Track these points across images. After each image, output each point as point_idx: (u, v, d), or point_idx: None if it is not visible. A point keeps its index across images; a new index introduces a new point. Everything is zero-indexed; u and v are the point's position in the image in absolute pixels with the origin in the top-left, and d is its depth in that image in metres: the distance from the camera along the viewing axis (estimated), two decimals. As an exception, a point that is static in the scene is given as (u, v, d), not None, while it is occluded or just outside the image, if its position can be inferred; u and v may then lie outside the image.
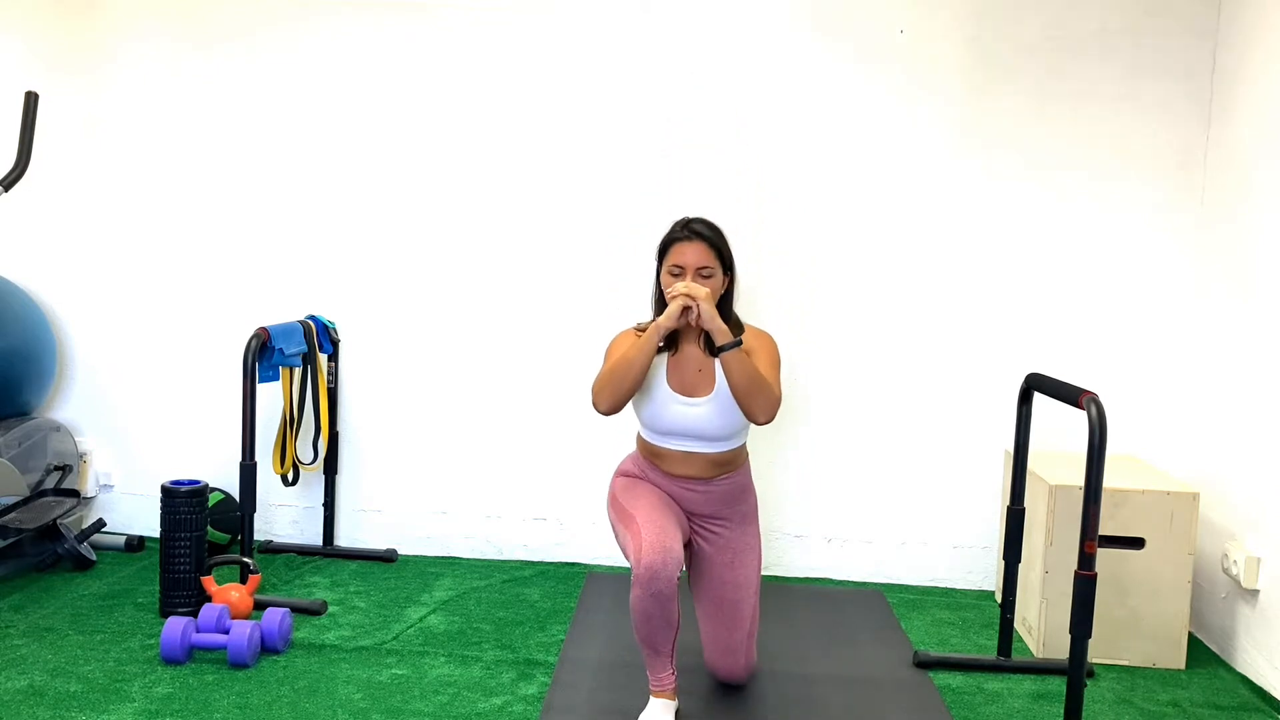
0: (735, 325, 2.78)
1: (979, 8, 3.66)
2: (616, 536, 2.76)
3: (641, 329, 2.81)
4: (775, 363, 2.77)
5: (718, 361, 2.72)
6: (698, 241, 2.73)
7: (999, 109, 3.68)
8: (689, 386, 2.75)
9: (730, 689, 2.92)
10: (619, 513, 2.75)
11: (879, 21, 3.69)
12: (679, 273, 2.73)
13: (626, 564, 3.79)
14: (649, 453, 2.84)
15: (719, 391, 2.73)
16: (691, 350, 2.78)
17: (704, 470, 2.78)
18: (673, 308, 2.65)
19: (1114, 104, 3.65)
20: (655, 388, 2.76)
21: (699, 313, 2.63)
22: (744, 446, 2.87)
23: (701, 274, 2.72)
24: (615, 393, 2.68)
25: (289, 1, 3.84)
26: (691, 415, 2.73)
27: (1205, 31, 3.60)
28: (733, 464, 2.83)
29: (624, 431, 3.66)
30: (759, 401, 2.64)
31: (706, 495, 2.81)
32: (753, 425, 2.74)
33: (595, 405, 2.71)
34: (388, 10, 3.81)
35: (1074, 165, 3.68)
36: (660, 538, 2.54)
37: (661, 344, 2.73)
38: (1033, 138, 3.68)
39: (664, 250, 2.79)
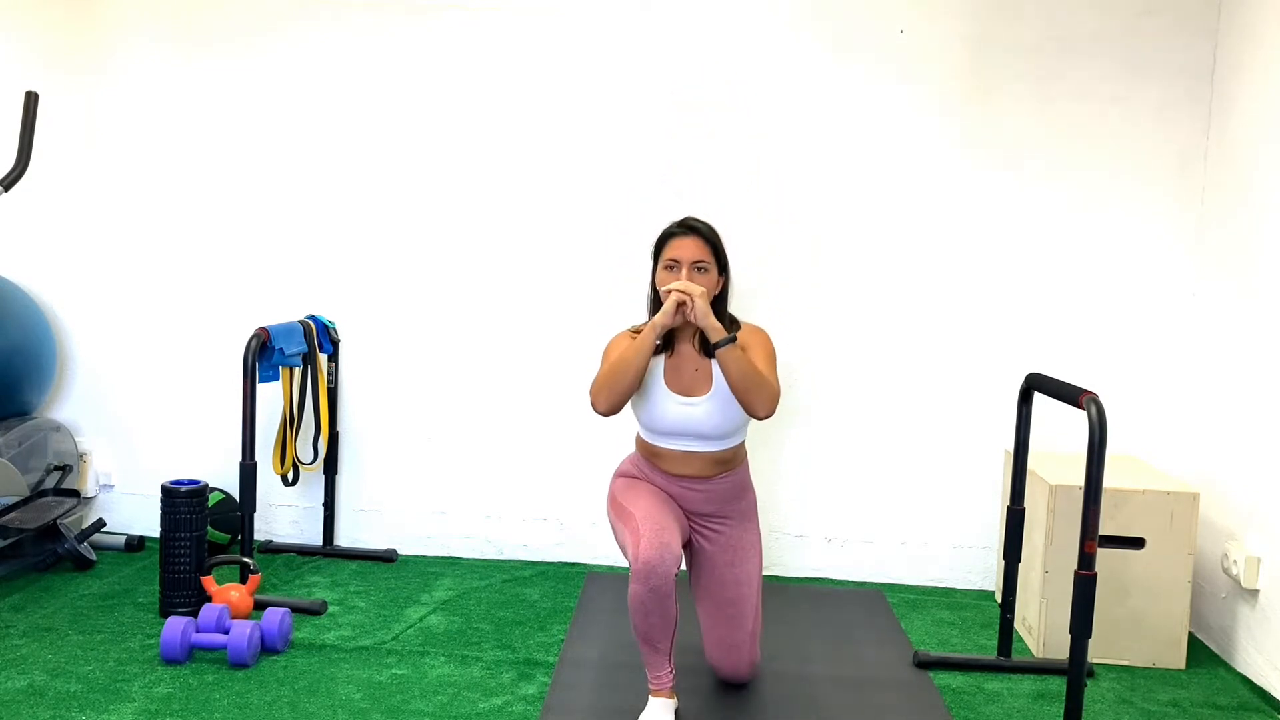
0: (731, 323, 2.79)
1: (979, 8, 3.66)
2: (616, 535, 2.76)
3: (637, 330, 2.81)
4: (771, 357, 2.78)
5: (714, 360, 2.73)
6: (693, 236, 2.76)
7: (999, 109, 3.68)
8: (687, 386, 2.76)
9: (730, 688, 2.92)
10: (618, 511, 2.75)
11: (879, 21, 3.69)
12: (674, 266, 2.74)
13: (626, 564, 3.80)
14: (648, 453, 2.84)
15: (717, 390, 2.73)
16: (688, 350, 2.79)
17: (704, 469, 2.79)
18: (668, 305, 2.66)
19: (1114, 104, 3.65)
20: (653, 388, 2.76)
21: (693, 309, 2.64)
22: (743, 445, 2.87)
23: (697, 268, 2.73)
24: (613, 393, 2.68)
25: (289, 1, 3.84)
26: (690, 415, 2.74)
27: (1205, 31, 3.60)
28: (732, 462, 2.83)
29: (624, 431, 3.66)
30: (757, 396, 2.65)
31: (706, 494, 2.81)
32: (751, 423, 2.74)
33: (594, 406, 2.72)
34: (387, 10, 3.81)
35: (1074, 165, 3.68)
36: (658, 533, 2.54)
37: (658, 343, 2.74)
38: (1032, 137, 3.68)
39: (659, 247, 2.81)
